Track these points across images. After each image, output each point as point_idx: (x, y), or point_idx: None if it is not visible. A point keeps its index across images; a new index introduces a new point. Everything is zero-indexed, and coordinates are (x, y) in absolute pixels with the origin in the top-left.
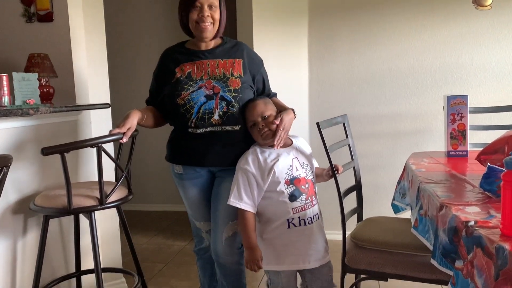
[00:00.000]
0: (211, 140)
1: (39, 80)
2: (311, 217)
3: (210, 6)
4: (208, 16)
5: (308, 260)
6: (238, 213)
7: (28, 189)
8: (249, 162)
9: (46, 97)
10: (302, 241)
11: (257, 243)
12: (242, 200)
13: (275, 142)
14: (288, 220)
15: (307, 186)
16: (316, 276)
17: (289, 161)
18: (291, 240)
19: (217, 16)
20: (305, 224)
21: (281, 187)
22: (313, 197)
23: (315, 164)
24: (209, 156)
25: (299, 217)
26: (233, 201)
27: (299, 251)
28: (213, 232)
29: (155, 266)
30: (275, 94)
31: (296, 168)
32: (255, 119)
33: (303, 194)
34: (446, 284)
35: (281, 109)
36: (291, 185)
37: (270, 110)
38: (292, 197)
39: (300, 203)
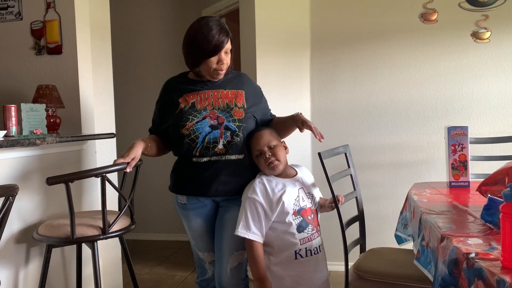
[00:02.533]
0: (215, 169)
1: (46, 110)
2: (317, 247)
3: (226, 52)
4: (226, 63)
5: None
6: (246, 243)
7: (32, 218)
8: (257, 191)
9: (52, 127)
10: (308, 271)
11: (266, 274)
12: (250, 230)
13: (319, 135)
14: (295, 251)
15: (312, 216)
16: None
17: (295, 191)
18: (298, 270)
19: (229, 59)
20: (311, 255)
21: (290, 218)
22: (318, 227)
23: (319, 194)
24: (213, 186)
25: (306, 248)
26: (241, 232)
27: (304, 280)
28: (217, 262)
29: None
30: (274, 116)
31: (303, 198)
32: (262, 149)
33: (310, 225)
34: None
35: (286, 119)
36: (298, 216)
37: (276, 140)
38: (300, 228)
39: (307, 233)
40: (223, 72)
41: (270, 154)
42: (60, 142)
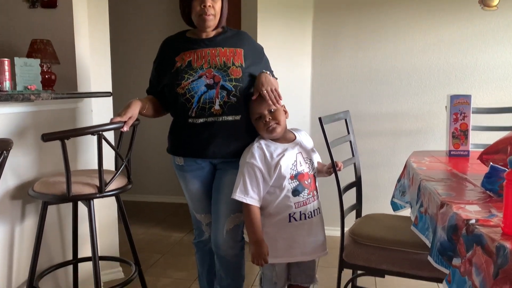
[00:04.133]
0: (212, 131)
1: (41, 66)
2: (311, 212)
3: None
4: (210, 6)
5: (306, 252)
6: (243, 207)
7: (27, 175)
8: (256, 156)
9: (47, 83)
10: (301, 234)
11: (263, 237)
12: (248, 194)
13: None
14: (289, 214)
15: (309, 181)
16: (302, 269)
17: (293, 156)
18: (291, 233)
19: (218, 7)
20: (305, 218)
21: (286, 182)
22: (314, 192)
23: (318, 159)
24: (210, 148)
25: (300, 212)
26: (238, 196)
27: (297, 244)
28: (214, 224)
29: (152, 256)
30: (276, 79)
31: (300, 163)
32: (262, 112)
33: (306, 189)
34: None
35: None
36: (295, 180)
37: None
38: (295, 192)
39: (303, 198)
40: (210, 17)
41: (270, 118)
42: (56, 99)
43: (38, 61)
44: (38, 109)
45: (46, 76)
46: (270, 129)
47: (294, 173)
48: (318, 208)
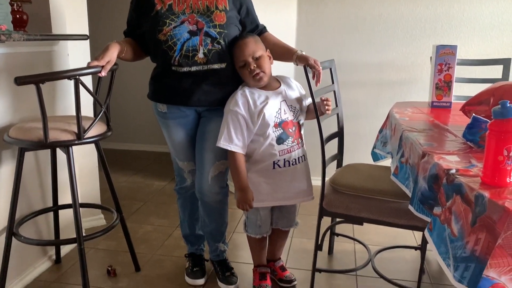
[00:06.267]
0: (196, 79)
1: (11, 4)
2: (295, 159)
3: None
4: None
5: (289, 197)
6: (228, 155)
7: (1, 121)
8: (239, 104)
9: (19, 23)
10: (285, 180)
11: (248, 184)
12: (233, 142)
13: (318, 83)
14: (274, 162)
15: (294, 129)
16: (283, 214)
17: (277, 104)
18: (275, 179)
19: None
20: (289, 165)
21: (270, 130)
22: (299, 139)
23: (309, 101)
24: (195, 96)
25: (284, 159)
26: (223, 144)
27: (281, 189)
28: (198, 171)
29: (134, 204)
30: (264, 27)
31: (284, 111)
32: (246, 59)
33: (290, 137)
34: (420, 230)
35: (282, 50)
36: (279, 128)
37: (261, 50)
38: (280, 140)
39: (287, 145)
40: None
41: (255, 65)
42: (28, 40)
43: None
44: (10, 51)
45: (17, 16)
46: (257, 78)
47: (278, 121)
48: (303, 155)
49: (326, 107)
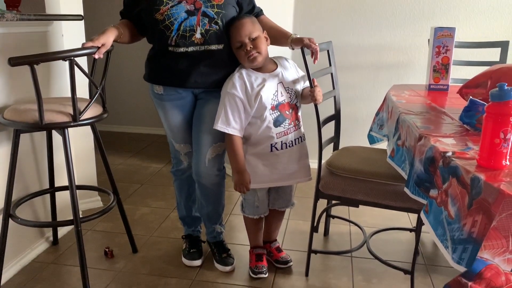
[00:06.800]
0: (193, 60)
1: None
2: (292, 141)
3: None
4: None
5: (286, 177)
6: (225, 138)
7: None
8: (237, 86)
9: (11, 3)
10: (282, 162)
11: (245, 166)
12: (230, 125)
13: (316, 60)
14: (271, 144)
15: (291, 111)
16: (280, 194)
17: (274, 86)
18: (272, 161)
19: None
20: (286, 148)
21: (267, 112)
22: (296, 121)
23: (305, 85)
24: (191, 77)
25: (281, 141)
26: (220, 126)
27: (278, 170)
28: (195, 153)
29: (131, 186)
30: (261, 10)
31: (281, 93)
32: (243, 40)
33: (287, 119)
34: (415, 213)
35: (277, 34)
36: (276, 111)
37: (258, 31)
38: (277, 123)
39: (284, 128)
40: None
41: (251, 46)
42: (22, 20)
43: None
44: (3, 32)
45: None
46: (251, 58)
47: (275, 104)
48: (300, 137)
49: (316, 97)
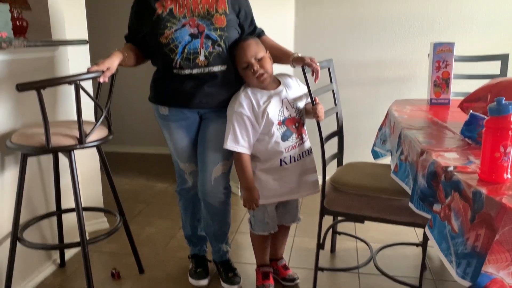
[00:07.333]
0: (198, 81)
1: (11, 12)
2: (300, 154)
3: None
4: None
5: (296, 191)
6: (234, 156)
7: (4, 127)
8: (244, 105)
9: (19, 31)
10: (291, 175)
11: (254, 183)
12: (239, 143)
13: (317, 79)
14: (280, 159)
15: (296, 125)
16: (287, 209)
17: (279, 102)
18: (281, 175)
19: None
20: (295, 161)
21: (274, 128)
22: (302, 135)
23: (308, 100)
24: (196, 98)
25: (290, 155)
26: (230, 145)
27: (288, 184)
28: (201, 172)
29: (137, 206)
30: (262, 31)
31: (287, 108)
32: (249, 61)
33: (294, 134)
34: (421, 227)
35: (279, 53)
36: (282, 126)
37: (263, 51)
38: (284, 137)
39: (292, 142)
40: None
41: (258, 66)
42: (29, 47)
43: (7, 6)
44: (11, 58)
45: (17, 23)
46: (261, 79)
47: (281, 119)
48: (307, 150)
49: (318, 114)
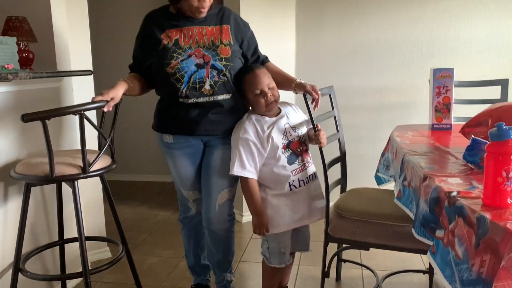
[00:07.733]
0: (203, 109)
1: (18, 44)
2: (307, 177)
3: None
4: (208, 0)
5: (308, 215)
6: (241, 181)
7: (9, 157)
8: (249, 131)
9: (25, 62)
10: (301, 199)
11: (263, 209)
12: (246, 168)
13: (316, 107)
14: (289, 183)
15: (301, 148)
16: (300, 238)
17: (282, 127)
18: (292, 199)
19: None
20: (304, 184)
21: (279, 152)
22: (307, 158)
23: (310, 126)
24: (201, 125)
25: (298, 178)
26: (236, 171)
27: (299, 208)
28: (205, 199)
29: (139, 235)
30: (266, 57)
31: (290, 133)
32: (263, 88)
33: (299, 157)
34: (426, 254)
35: (282, 79)
36: (287, 149)
37: (272, 81)
38: (290, 160)
39: (298, 165)
40: (205, 10)
41: (271, 94)
42: (35, 78)
43: (14, 39)
44: (17, 89)
45: (24, 55)
46: (271, 106)
47: (285, 143)
48: (313, 173)
49: (321, 140)
